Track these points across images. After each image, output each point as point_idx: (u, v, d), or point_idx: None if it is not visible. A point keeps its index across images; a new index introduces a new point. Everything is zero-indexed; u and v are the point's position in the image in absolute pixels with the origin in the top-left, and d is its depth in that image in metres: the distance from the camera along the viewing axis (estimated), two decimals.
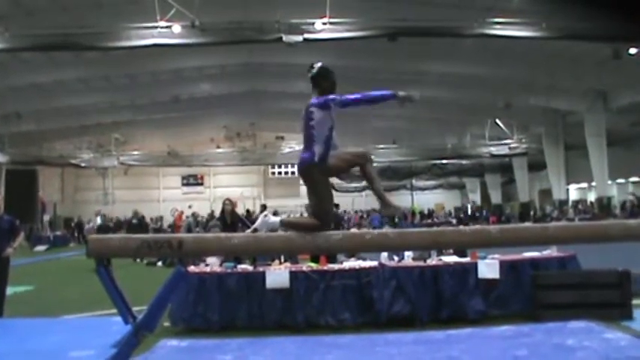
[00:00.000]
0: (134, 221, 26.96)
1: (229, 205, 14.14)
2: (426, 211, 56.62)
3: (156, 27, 25.39)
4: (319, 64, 6.83)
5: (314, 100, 6.44)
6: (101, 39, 26.09)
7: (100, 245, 6.06)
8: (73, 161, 51.92)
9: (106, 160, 53.21)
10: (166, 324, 10.04)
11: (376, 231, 6.29)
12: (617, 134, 43.46)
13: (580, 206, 44.48)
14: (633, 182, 49.81)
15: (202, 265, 11.35)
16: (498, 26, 26.42)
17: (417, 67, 36.34)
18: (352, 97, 6.51)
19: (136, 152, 54.27)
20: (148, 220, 35.26)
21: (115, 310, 6.26)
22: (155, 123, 49.23)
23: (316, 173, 6.21)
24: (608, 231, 6.63)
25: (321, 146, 6.18)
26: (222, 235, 7.53)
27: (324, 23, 26.00)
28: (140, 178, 61.04)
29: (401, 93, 6.61)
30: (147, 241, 5.99)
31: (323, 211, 6.28)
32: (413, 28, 26.44)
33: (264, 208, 28.02)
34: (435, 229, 6.83)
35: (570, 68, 36.34)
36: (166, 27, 25.39)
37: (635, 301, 10.07)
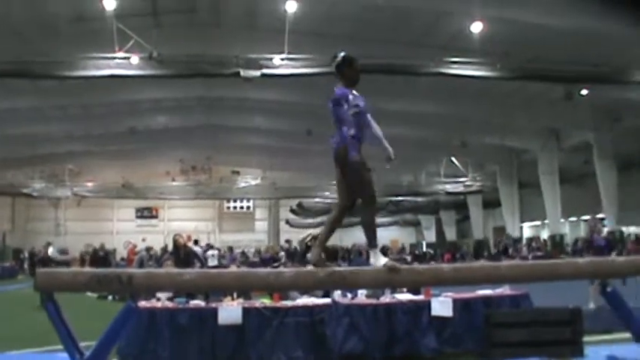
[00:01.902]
0: (100, 254, 26.68)
1: (180, 239, 14.05)
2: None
3: (114, 57, 25.22)
4: (342, 53, 7.09)
5: (336, 91, 6.85)
6: (57, 68, 25.86)
7: (48, 279, 5.96)
8: (25, 190, 51.27)
9: (59, 191, 52.61)
10: None
11: (329, 269, 6.25)
12: (570, 173, 44.11)
13: (534, 244, 44.78)
14: (585, 220, 50.38)
15: (154, 299, 11.22)
16: (454, 65, 26.71)
17: (375, 104, 35.84)
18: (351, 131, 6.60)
19: (89, 183, 53.73)
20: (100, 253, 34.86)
21: (61, 346, 6.14)
22: (110, 154, 48.75)
23: (350, 152, 6.46)
24: (559, 270, 6.68)
25: (349, 127, 6.51)
26: (174, 270, 7.47)
27: (283, 59, 26.06)
28: (94, 209, 60.39)
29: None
30: (96, 275, 5.90)
31: (364, 190, 6.57)
32: (370, 66, 26.48)
33: (208, 247, 27.94)
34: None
35: (524, 108, 36.85)
36: (124, 58, 25.24)
37: (585, 339, 10.13)
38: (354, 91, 6.76)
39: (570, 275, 6.72)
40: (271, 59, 26.22)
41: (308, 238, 13.50)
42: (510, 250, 43.34)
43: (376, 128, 6.82)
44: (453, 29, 27.51)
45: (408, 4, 25.26)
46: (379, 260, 6.25)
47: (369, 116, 6.70)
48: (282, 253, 29.66)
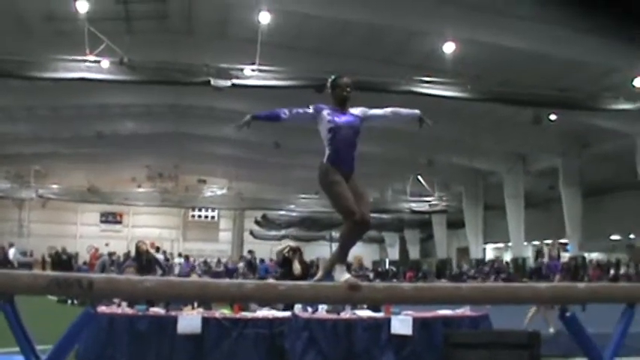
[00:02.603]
0: (63, 257, 26.43)
1: (143, 245, 13.96)
2: None
3: (84, 60, 25.01)
4: (332, 77, 7.34)
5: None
6: (27, 68, 25.57)
7: (7, 281, 5.88)
8: None
9: (23, 192, 52.00)
10: None
11: (291, 282, 6.24)
12: (535, 197, 44.47)
13: (496, 265, 45.03)
14: (547, 244, 50.80)
15: (114, 305, 11.13)
16: (425, 85, 26.82)
17: None
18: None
19: (55, 186, 53.15)
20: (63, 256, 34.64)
21: (17, 349, 6.07)
22: (77, 158, 48.39)
23: (322, 173, 6.54)
24: (519, 293, 6.72)
25: (327, 148, 6.63)
26: (135, 277, 7.41)
27: (254, 70, 26.03)
28: (58, 212, 59.71)
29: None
30: (56, 279, 5.84)
31: (340, 209, 6.49)
32: None
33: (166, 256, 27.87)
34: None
35: (493, 130, 37.15)
36: (95, 61, 25.05)
37: None
38: (350, 110, 7.08)
39: (530, 299, 6.79)
40: (242, 70, 26.17)
41: (286, 250, 13.40)
42: (472, 271, 43.58)
43: (385, 112, 6.91)
44: (425, 49, 27.68)
45: (381, 21, 25.33)
46: (342, 276, 6.25)
47: (372, 111, 6.75)
48: (241, 264, 29.64)
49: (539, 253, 22.78)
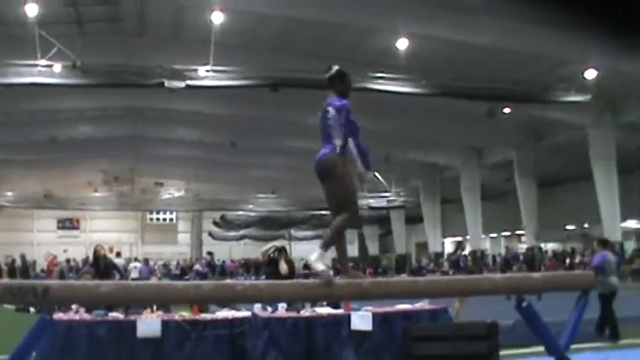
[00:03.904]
0: (18, 264, 26.08)
1: (102, 250, 13.85)
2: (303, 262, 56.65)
3: (36, 65, 24.76)
4: (336, 67, 7.04)
5: (335, 101, 6.71)
6: None
7: None
8: None
9: None
10: None
11: (247, 282, 6.25)
12: (491, 190, 44.93)
13: (453, 258, 45.38)
14: (505, 236, 51.31)
15: (71, 312, 11.02)
16: (380, 81, 26.95)
17: (299, 118, 36.57)
18: (357, 141, 6.71)
19: (9, 193, 52.43)
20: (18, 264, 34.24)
21: None
22: (31, 164, 47.69)
23: (340, 164, 6.45)
24: (477, 285, 6.79)
25: (341, 139, 6.50)
26: (91, 283, 7.35)
27: (208, 70, 25.97)
28: (13, 220, 58.92)
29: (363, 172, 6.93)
30: (10, 287, 5.78)
31: (350, 201, 6.51)
32: (294, 80, 26.69)
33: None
34: (307, 281, 6.84)
35: (448, 124, 37.40)
36: (47, 66, 24.81)
37: (502, 353, 10.27)
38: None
39: (487, 290, 6.85)
40: (196, 70, 26.12)
41: (271, 250, 13.35)
42: (431, 265, 43.91)
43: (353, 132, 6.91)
44: (379, 45, 27.78)
45: (335, 19, 25.40)
46: (318, 264, 6.29)
47: (345, 117, 6.74)
48: (197, 266, 29.56)
49: (459, 245, 23.46)
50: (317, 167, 6.64)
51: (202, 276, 27.69)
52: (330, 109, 6.66)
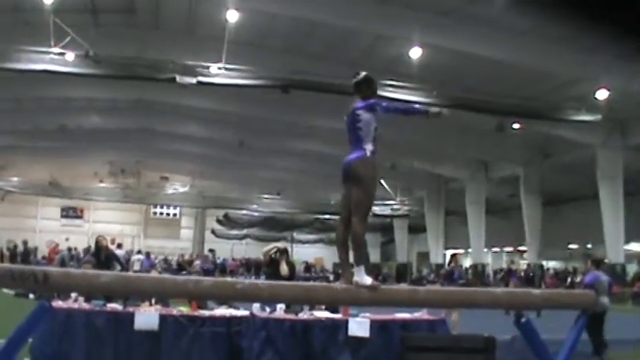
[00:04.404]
0: (20, 250, 26.08)
1: (104, 240, 13.85)
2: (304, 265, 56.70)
3: (49, 53, 24.75)
4: (364, 73, 7.14)
5: (359, 103, 6.79)
6: None
7: None
8: None
9: None
10: (27, 359, 9.66)
11: (247, 281, 6.23)
12: (496, 204, 44.88)
13: (460, 272, 45.35)
14: (507, 251, 51.24)
15: (70, 300, 11.02)
16: (390, 89, 26.88)
17: (308, 121, 36.63)
18: (393, 105, 7.02)
19: (15, 179, 52.55)
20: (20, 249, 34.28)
21: None
22: (38, 151, 47.78)
23: (370, 169, 6.55)
24: (476, 298, 6.77)
25: (371, 144, 6.59)
26: (90, 272, 7.33)
27: (220, 68, 25.96)
28: (18, 205, 58.90)
29: (433, 110, 7.30)
30: (11, 271, 5.78)
31: (369, 206, 6.64)
32: (305, 83, 26.71)
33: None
34: (308, 283, 6.82)
35: (456, 137, 37.35)
36: (59, 54, 24.81)
37: None
38: None
39: (487, 304, 6.83)
40: (208, 67, 26.12)
41: (273, 251, 13.36)
42: (432, 276, 43.87)
43: (397, 106, 6.96)
44: (392, 53, 27.79)
45: (349, 24, 25.41)
46: (366, 280, 6.34)
47: (384, 105, 6.76)
48: (197, 262, 29.49)
49: (453, 258, 23.65)
50: (347, 168, 6.67)
51: (208, 272, 27.69)
52: (360, 112, 6.72)
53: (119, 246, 30.87)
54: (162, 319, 10.20)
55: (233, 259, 53.58)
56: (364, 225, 6.60)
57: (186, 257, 42.84)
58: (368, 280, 6.33)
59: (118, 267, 14.56)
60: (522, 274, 36.71)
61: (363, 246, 6.68)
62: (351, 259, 6.55)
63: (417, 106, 7.03)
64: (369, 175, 6.55)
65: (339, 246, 6.85)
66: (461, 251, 50.97)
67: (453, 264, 23.09)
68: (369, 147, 6.58)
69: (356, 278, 6.36)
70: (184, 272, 29.94)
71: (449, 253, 51.73)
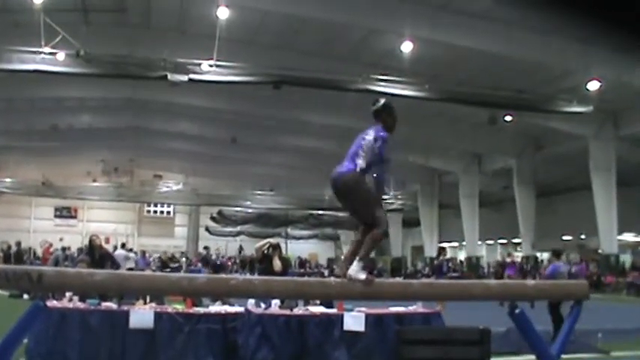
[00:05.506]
0: (13, 250, 26.09)
1: (97, 240, 13.85)
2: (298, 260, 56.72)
3: (39, 52, 24.72)
4: (383, 100, 7.10)
5: (378, 130, 6.75)
6: None
7: None
8: None
9: None
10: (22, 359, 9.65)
11: (241, 277, 6.25)
12: (489, 197, 44.97)
13: (450, 264, 45.42)
14: (502, 244, 51.32)
15: (65, 299, 11.01)
16: (382, 83, 26.89)
17: (301, 116, 36.67)
18: (379, 171, 6.69)
19: (8, 179, 52.36)
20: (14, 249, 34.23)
21: None
22: (30, 151, 47.73)
23: (360, 181, 6.46)
24: (470, 290, 6.79)
25: (365, 163, 6.46)
26: (85, 270, 7.33)
27: (211, 65, 25.94)
28: (11, 206, 58.76)
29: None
30: (5, 271, 5.77)
31: (376, 216, 6.49)
32: (297, 78, 26.71)
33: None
34: (302, 279, 6.80)
35: (449, 129, 37.44)
36: (50, 54, 24.77)
37: (493, 359, 10.27)
38: None
39: (481, 296, 6.85)
40: (200, 65, 26.09)
41: (266, 246, 13.36)
42: (427, 269, 43.89)
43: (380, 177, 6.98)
44: (384, 47, 27.81)
45: (340, 19, 25.41)
46: (360, 274, 6.35)
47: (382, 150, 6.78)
48: (184, 259, 29.56)
49: (441, 251, 23.93)
50: (335, 183, 6.60)
51: (217, 268, 27.87)
52: (370, 134, 6.70)
53: (123, 245, 31.06)
54: (158, 316, 10.20)
55: (222, 257, 53.42)
56: (382, 228, 6.55)
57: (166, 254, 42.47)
58: (362, 275, 6.34)
59: (113, 266, 14.55)
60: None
61: (375, 246, 6.74)
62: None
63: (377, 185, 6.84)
64: (358, 188, 6.51)
65: (354, 242, 6.88)
66: (455, 244, 51.19)
67: (441, 257, 23.39)
68: (361, 163, 6.50)
69: (351, 272, 6.39)
70: (168, 270, 29.92)
71: (443, 246, 51.99)
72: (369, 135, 6.67)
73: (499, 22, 24.39)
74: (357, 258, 6.47)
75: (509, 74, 28.43)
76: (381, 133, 6.69)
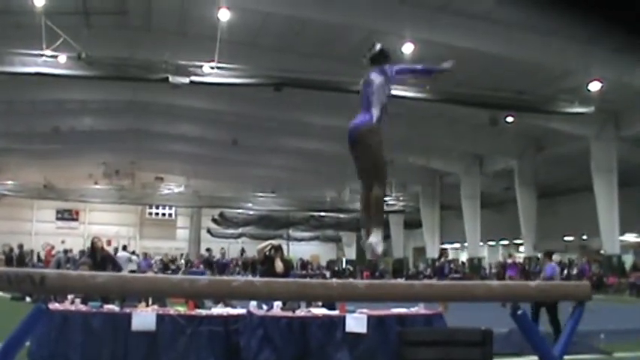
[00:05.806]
0: (16, 252, 26.09)
1: (99, 242, 13.83)
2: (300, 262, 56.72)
3: (41, 55, 24.76)
4: (379, 45, 7.09)
5: (374, 69, 6.79)
6: None
7: None
8: None
9: None
10: None
11: (243, 278, 6.24)
12: (491, 198, 44.94)
13: (452, 265, 45.38)
14: (503, 245, 51.28)
15: (67, 302, 11.01)
16: None
17: (302, 118, 36.67)
18: (403, 67, 7.18)
19: (9, 182, 52.34)
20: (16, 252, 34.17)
21: None
22: (32, 153, 47.74)
23: (375, 133, 6.54)
24: (473, 291, 6.76)
25: (379, 110, 6.55)
26: (87, 273, 7.32)
27: (212, 67, 25.96)
28: (13, 209, 58.77)
29: (443, 66, 7.46)
30: (7, 274, 5.76)
31: (384, 169, 6.68)
32: (298, 80, 26.73)
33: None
34: (304, 280, 6.82)
35: (450, 131, 37.40)
36: (52, 56, 24.79)
37: None
38: None
39: (483, 297, 6.83)
40: (201, 67, 26.13)
41: (267, 248, 13.37)
42: (429, 271, 43.86)
43: (407, 67, 7.06)
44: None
45: (341, 20, 25.43)
46: (379, 247, 6.48)
47: (396, 68, 6.90)
48: (182, 262, 29.60)
49: (442, 252, 24.04)
50: (352, 134, 6.68)
51: (222, 267, 27.85)
52: (374, 77, 6.75)
53: (124, 248, 31.08)
54: (160, 319, 10.20)
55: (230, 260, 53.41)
56: (383, 188, 6.69)
57: (167, 256, 42.51)
58: (380, 248, 6.43)
59: (115, 269, 14.52)
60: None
61: (381, 209, 6.79)
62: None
63: (424, 67, 6.94)
64: (375, 140, 6.59)
65: (362, 209, 6.90)
66: (457, 245, 51.14)
67: (442, 259, 23.37)
68: (376, 112, 6.57)
69: (371, 239, 6.44)
70: (169, 271, 29.97)
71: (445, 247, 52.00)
72: (374, 79, 6.73)
73: (499, 23, 24.41)
74: (375, 227, 6.54)
75: (510, 75, 28.43)
76: (382, 66, 6.82)
